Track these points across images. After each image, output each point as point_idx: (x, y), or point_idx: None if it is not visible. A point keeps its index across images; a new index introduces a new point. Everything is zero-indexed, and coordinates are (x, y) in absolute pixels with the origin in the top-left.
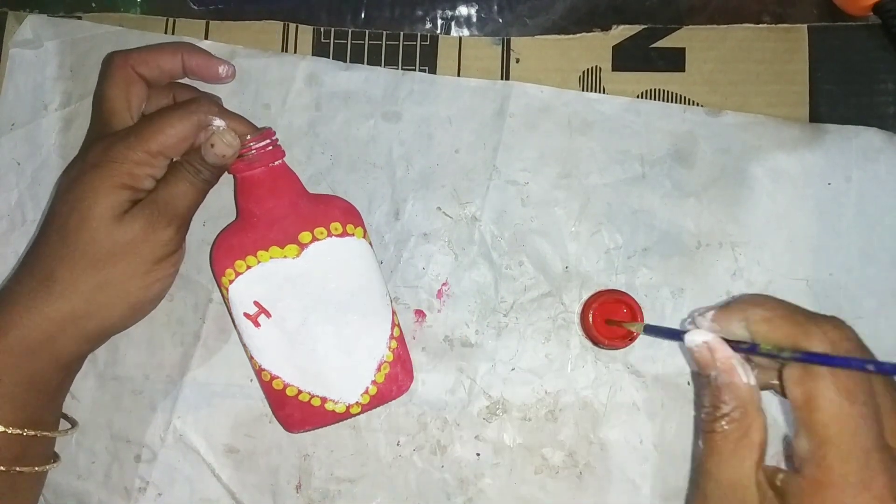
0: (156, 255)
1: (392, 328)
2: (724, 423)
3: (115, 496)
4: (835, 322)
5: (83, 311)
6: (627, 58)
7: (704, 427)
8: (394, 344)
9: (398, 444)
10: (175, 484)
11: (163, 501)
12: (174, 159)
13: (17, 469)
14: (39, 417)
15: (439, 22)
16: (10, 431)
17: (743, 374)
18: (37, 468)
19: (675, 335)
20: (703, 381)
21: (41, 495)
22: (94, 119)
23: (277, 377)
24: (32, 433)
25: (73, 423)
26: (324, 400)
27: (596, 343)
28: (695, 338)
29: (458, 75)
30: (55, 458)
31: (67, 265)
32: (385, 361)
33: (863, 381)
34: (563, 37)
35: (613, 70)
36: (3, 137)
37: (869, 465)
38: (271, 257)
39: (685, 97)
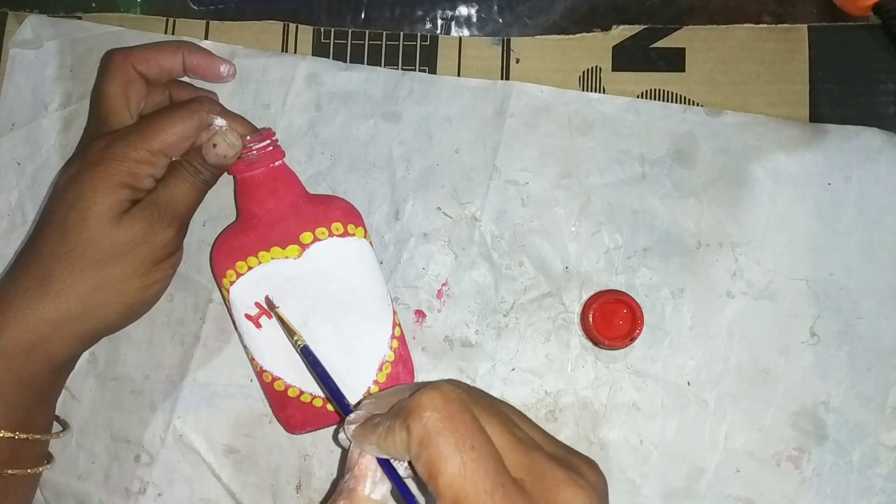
0: (155, 257)
1: (393, 328)
2: None
3: (115, 496)
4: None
5: (79, 311)
6: (627, 58)
7: None
8: (395, 344)
9: None
10: (175, 484)
11: (163, 502)
12: (173, 159)
13: (10, 472)
14: (31, 420)
15: (439, 22)
16: (1, 435)
17: (369, 486)
18: (29, 470)
19: (345, 409)
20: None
21: (42, 496)
22: (91, 116)
23: (279, 378)
24: (24, 436)
25: (65, 426)
26: (325, 401)
27: (596, 343)
28: (341, 435)
29: (458, 75)
30: (48, 458)
31: (65, 265)
32: (387, 361)
33: (469, 427)
34: (563, 37)
35: (613, 70)
36: (3, 137)
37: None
38: (273, 258)
39: (685, 97)
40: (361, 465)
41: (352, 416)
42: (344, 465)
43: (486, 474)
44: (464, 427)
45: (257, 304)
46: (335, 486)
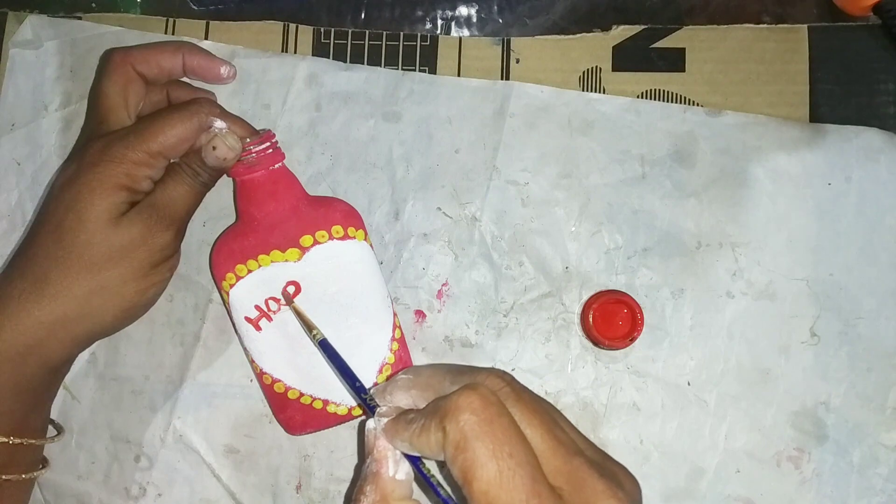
0: (153, 260)
1: (393, 330)
2: None
3: (115, 497)
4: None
5: (75, 314)
6: (627, 58)
7: None
8: (395, 346)
9: None
10: (175, 484)
11: (163, 502)
12: (172, 161)
13: (4, 477)
14: (26, 424)
15: (439, 22)
16: None
17: (391, 467)
18: (24, 475)
19: (369, 410)
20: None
21: (42, 496)
22: (89, 116)
23: (279, 380)
24: (18, 441)
25: (60, 430)
26: (325, 402)
27: (596, 343)
28: (369, 423)
29: (458, 75)
30: (44, 463)
31: (61, 268)
32: (386, 363)
33: (507, 432)
34: (563, 37)
35: (613, 70)
36: (3, 137)
37: None
38: (272, 261)
39: (685, 97)
40: (380, 448)
41: (384, 408)
42: (364, 451)
43: (522, 483)
44: (501, 432)
45: (257, 307)
46: (359, 472)
